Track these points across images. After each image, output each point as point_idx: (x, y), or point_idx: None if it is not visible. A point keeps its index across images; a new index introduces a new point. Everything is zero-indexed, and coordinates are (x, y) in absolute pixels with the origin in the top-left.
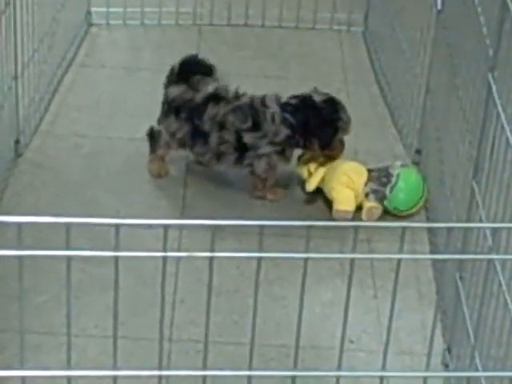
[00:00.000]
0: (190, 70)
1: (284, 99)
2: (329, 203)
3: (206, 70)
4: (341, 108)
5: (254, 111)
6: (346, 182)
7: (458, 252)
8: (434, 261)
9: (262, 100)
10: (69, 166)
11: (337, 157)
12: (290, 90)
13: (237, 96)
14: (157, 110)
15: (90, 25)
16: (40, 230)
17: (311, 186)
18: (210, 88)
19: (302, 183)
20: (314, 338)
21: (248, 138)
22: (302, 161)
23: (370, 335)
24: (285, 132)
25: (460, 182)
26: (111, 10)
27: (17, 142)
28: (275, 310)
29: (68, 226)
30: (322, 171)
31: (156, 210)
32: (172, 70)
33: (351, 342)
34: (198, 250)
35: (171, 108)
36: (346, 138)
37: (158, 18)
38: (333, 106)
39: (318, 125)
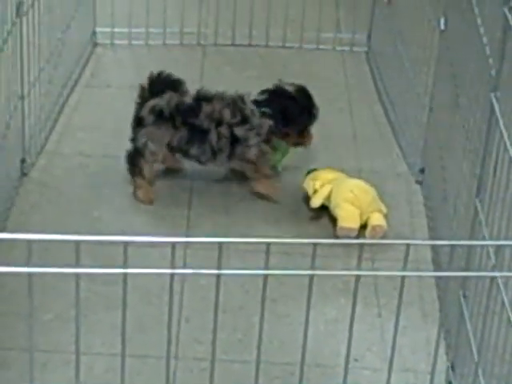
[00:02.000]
0: (160, 86)
1: (252, 97)
2: (333, 221)
3: (175, 85)
4: (311, 96)
5: (238, 107)
6: (351, 199)
7: (462, 270)
8: (438, 280)
9: (241, 98)
10: (74, 185)
11: (307, 145)
12: None
13: (221, 94)
14: None
15: (96, 45)
16: (46, 249)
17: (316, 202)
18: (192, 90)
19: (308, 200)
20: (318, 356)
21: (239, 131)
22: (308, 177)
23: (374, 353)
24: (268, 123)
25: (463, 200)
26: (116, 30)
27: (23, 161)
28: (280, 328)
29: (77, 243)
30: (327, 188)
31: (160, 229)
32: (143, 88)
33: (355, 360)
34: (204, 268)
35: (163, 117)
36: (350, 158)
37: (162, 38)
38: (306, 95)
39: (295, 113)
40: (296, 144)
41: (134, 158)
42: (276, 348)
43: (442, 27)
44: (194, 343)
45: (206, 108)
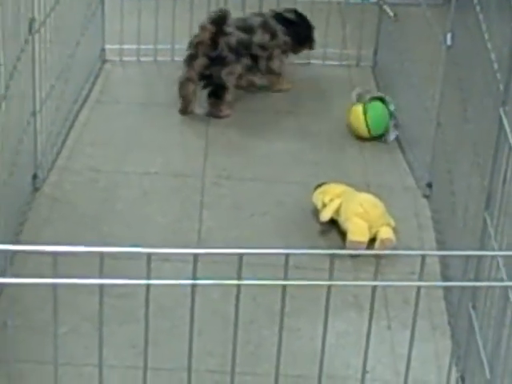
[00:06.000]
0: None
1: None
2: (343, 235)
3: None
4: (307, 18)
5: (268, 27)
6: (360, 213)
7: (471, 281)
8: (446, 292)
9: (265, 20)
10: (85, 200)
11: (313, 48)
12: (301, 125)
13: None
14: (170, 143)
15: (105, 61)
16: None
17: (325, 216)
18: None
19: (317, 214)
20: (329, 368)
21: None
22: (316, 192)
23: (384, 365)
24: (286, 39)
25: (472, 213)
26: (125, 47)
27: (34, 176)
28: (291, 341)
29: (102, 255)
30: (336, 202)
31: (171, 243)
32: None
33: (366, 372)
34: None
35: (238, 53)
36: (358, 172)
37: (170, 55)
38: (303, 19)
39: (300, 34)
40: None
41: (220, 93)
42: (288, 361)
43: (449, 43)
44: (206, 356)
45: (255, 39)
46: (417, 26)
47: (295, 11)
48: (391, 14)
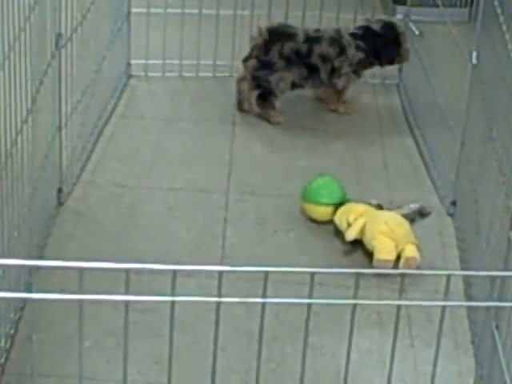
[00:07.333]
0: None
1: (350, 30)
2: (367, 254)
3: (289, 32)
4: (396, 27)
5: (336, 41)
6: (386, 231)
7: (496, 302)
8: (470, 311)
9: (338, 31)
10: (110, 215)
11: (406, 60)
12: (326, 142)
13: (322, 32)
14: (194, 159)
15: (130, 76)
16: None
17: (351, 234)
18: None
19: (339, 234)
20: None
21: (337, 62)
22: (339, 212)
23: None
24: (359, 55)
25: (496, 233)
26: (150, 62)
27: (59, 191)
28: (314, 359)
29: (127, 271)
30: (361, 221)
31: (195, 259)
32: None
33: None
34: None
35: (290, 61)
36: (382, 190)
37: (195, 71)
38: (391, 29)
39: (382, 48)
40: (394, 63)
41: (267, 97)
42: (310, 378)
43: (475, 61)
44: (229, 372)
45: (316, 49)
46: (442, 44)
47: (384, 22)
48: (417, 31)
